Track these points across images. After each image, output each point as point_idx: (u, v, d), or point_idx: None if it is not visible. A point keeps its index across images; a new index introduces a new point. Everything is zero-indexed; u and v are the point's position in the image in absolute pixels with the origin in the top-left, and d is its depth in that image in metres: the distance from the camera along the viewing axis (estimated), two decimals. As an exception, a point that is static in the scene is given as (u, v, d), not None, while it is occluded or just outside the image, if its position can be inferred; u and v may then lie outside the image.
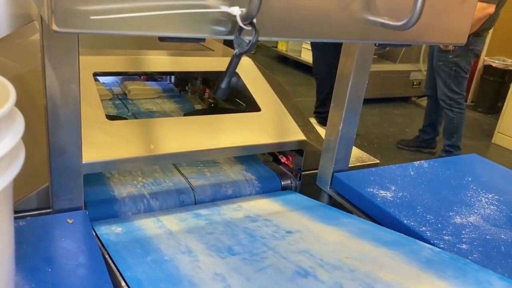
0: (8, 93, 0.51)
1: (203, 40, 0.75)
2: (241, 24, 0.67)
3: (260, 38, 0.69)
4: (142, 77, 2.08)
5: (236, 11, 0.67)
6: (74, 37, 0.83)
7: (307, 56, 6.11)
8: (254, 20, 0.67)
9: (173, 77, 2.12)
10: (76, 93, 0.88)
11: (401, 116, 4.92)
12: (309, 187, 1.37)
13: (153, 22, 0.66)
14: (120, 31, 0.64)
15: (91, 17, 0.60)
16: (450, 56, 3.31)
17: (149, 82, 2.06)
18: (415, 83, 5.33)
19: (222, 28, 0.71)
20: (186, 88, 1.98)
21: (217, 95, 0.72)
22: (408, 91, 5.40)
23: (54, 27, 0.60)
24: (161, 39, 0.69)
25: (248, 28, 0.68)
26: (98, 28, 0.62)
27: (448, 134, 3.56)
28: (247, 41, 0.68)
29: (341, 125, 1.22)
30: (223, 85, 0.71)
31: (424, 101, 4.36)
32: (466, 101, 3.79)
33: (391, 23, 0.81)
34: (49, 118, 0.89)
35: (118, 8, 0.62)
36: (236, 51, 0.70)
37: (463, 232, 1.04)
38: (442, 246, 0.97)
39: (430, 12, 0.82)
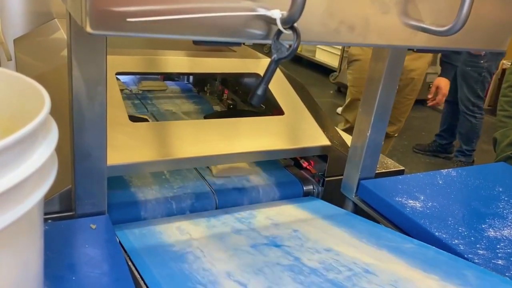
0: (42, 100, 0.49)
1: (238, 44, 0.72)
2: (281, 28, 0.64)
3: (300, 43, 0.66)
4: (159, 76, 2.06)
5: (276, 14, 0.64)
6: (102, 38, 0.81)
7: (321, 56, 6.06)
8: (295, 24, 0.63)
9: (191, 77, 2.09)
10: (103, 95, 0.86)
11: (417, 119, 4.85)
12: (332, 194, 1.33)
13: (189, 25, 0.63)
14: (155, 34, 0.61)
15: (128, 20, 0.57)
16: (482, 62, 3.22)
17: (167, 81, 2.04)
18: (431, 85, 5.24)
19: (259, 32, 0.67)
20: (205, 88, 1.95)
21: (253, 102, 0.68)
22: (425, 93, 5.30)
23: (88, 29, 0.57)
24: (196, 42, 0.66)
25: (288, 32, 0.64)
26: (134, 30, 0.59)
27: (468, 139, 3.48)
28: (287, 46, 0.65)
29: (369, 132, 1.18)
30: (260, 91, 0.68)
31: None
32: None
33: (433, 28, 0.77)
34: (74, 120, 0.86)
35: (155, 10, 0.59)
36: (274, 56, 0.66)
37: (498, 246, 1.00)
38: (477, 261, 0.93)
39: (473, 17, 0.78)
